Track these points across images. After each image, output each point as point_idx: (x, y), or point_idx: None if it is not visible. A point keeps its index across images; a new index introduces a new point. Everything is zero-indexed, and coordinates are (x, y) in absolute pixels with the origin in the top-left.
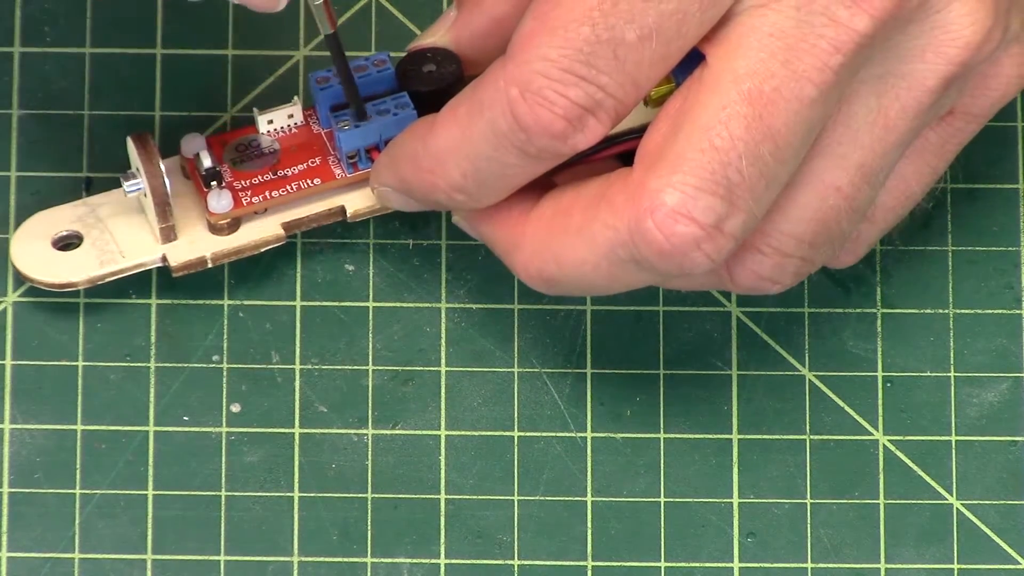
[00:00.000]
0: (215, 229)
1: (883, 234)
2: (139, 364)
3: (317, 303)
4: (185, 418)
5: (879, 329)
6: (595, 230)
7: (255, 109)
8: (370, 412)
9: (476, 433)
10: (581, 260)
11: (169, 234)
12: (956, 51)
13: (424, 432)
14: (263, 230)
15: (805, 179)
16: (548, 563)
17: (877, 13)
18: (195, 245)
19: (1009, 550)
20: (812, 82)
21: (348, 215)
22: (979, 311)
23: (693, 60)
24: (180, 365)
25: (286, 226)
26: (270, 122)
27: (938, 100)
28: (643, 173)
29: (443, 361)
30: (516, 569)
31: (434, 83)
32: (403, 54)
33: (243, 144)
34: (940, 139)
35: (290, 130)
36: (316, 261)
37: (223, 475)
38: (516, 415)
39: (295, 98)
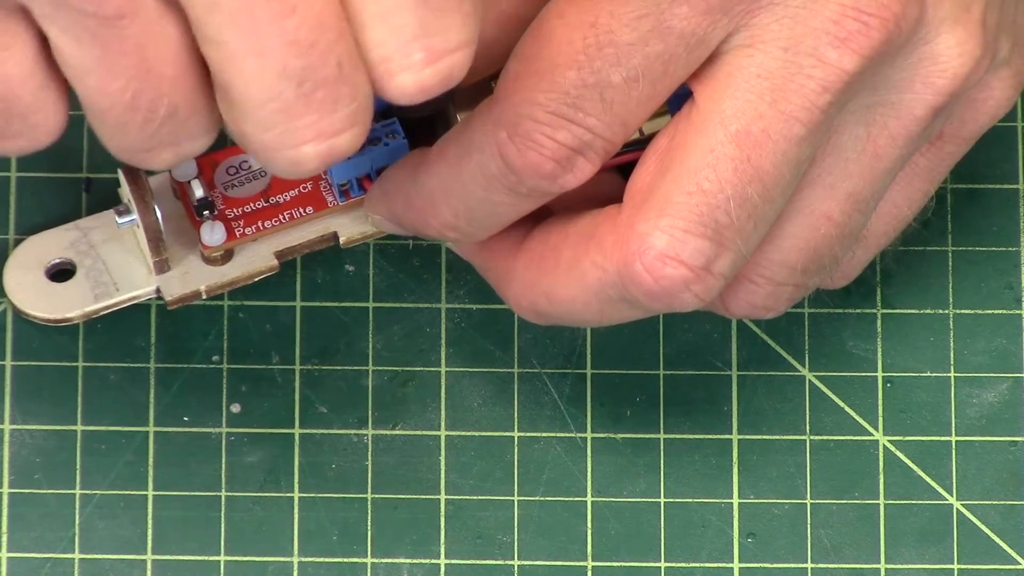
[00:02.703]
0: (208, 259)
1: (875, 255)
2: (139, 365)
3: (317, 303)
4: (185, 418)
5: (879, 329)
6: (584, 269)
7: None
8: (370, 412)
9: (476, 433)
10: (571, 297)
11: (163, 266)
12: (945, 82)
13: (424, 432)
14: (257, 260)
15: (796, 209)
16: (548, 563)
17: (865, 51)
18: (189, 276)
19: (1009, 550)
20: (800, 122)
21: (341, 242)
22: (979, 311)
23: (685, 91)
24: (180, 366)
25: (279, 254)
26: None
27: (927, 128)
28: (631, 214)
29: (443, 361)
30: (516, 569)
31: (423, 109)
32: None
33: (232, 166)
34: (930, 163)
35: None
36: (316, 262)
37: (223, 475)
38: (516, 415)
39: None
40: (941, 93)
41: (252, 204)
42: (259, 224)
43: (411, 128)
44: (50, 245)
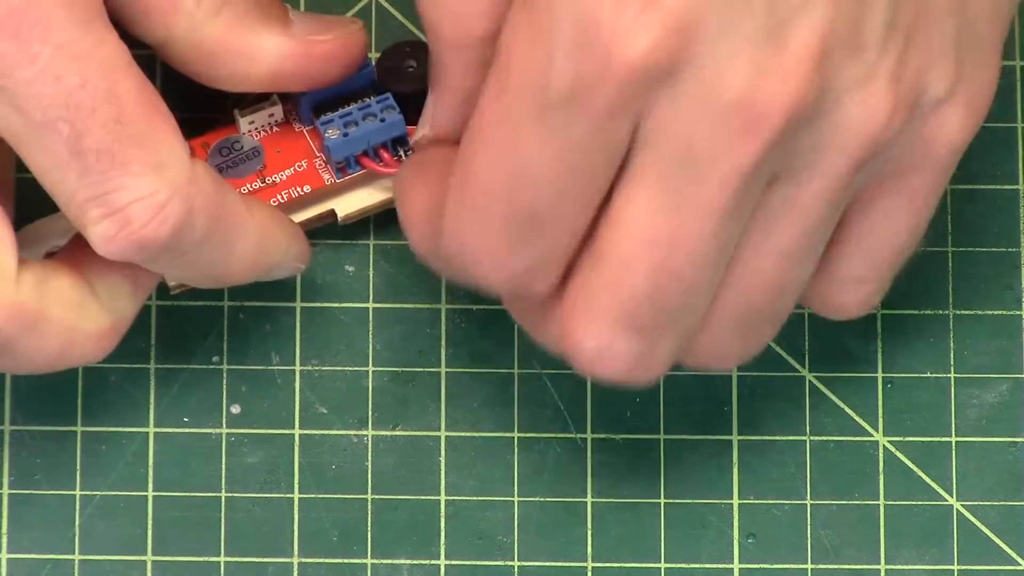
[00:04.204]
0: None
1: (883, 289)
2: (139, 365)
3: (317, 304)
4: (185, 419)
5: (879, 330)
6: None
7: (236, 110)
8: (370, 413)
9: (476, 434)
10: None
11: None
12: (856, 144)
13: (424, 433)
14: None
15: (729, 272)
16: (548, 564)
17: (764, 141)
18: None
19: (1009, 551)
20: (710, 217)
21: (339, 218)
22: (979, 312)
23: None
24: (180, 366)
25: None
26: (251, 123)
27: (855, 179)
28: (566, 312)
29: (443, 362)
30: (516, 570)
31: (416, 82)
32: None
33: (225, 146)
34: (905, 200)
35: (271, 129)
36: (316, 262)
37: (223, 476)
38: (516, 416)
39: (274, 97)
40: (855, 155)
41: (248, 185)
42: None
43: (406, 103)
44: (48, 231)
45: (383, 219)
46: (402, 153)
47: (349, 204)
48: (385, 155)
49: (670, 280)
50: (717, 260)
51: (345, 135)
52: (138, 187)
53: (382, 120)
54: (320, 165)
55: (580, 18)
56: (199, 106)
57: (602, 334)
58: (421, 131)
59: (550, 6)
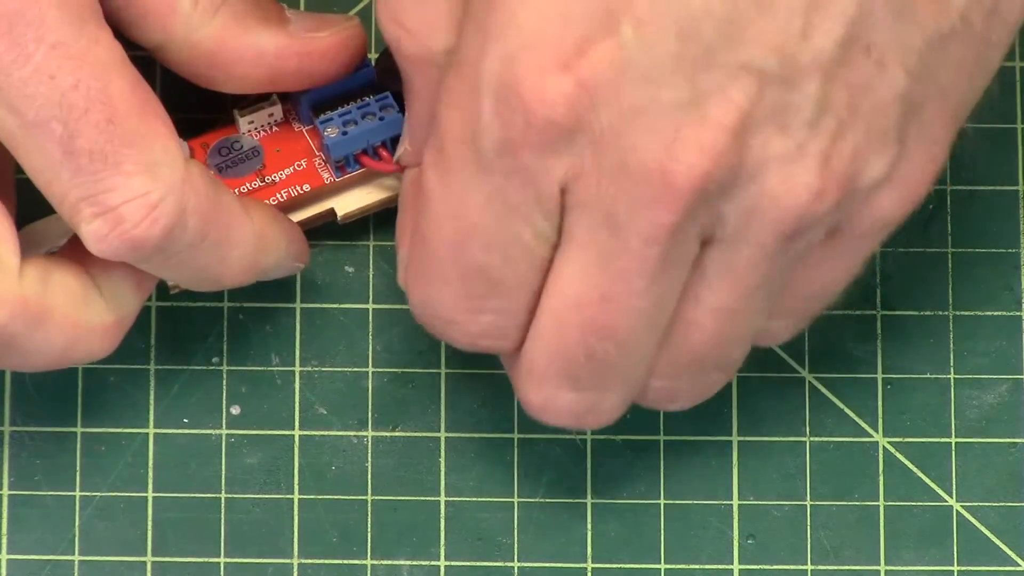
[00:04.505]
0: None
1: (805, 324)
2: (139, 366)
3: (317, 305)
4: (185, 420)
5: (879, 331)
6: None
7: (235, 110)
8: (370, 414)
9: (476, 435)
10: None
11: None
12: (783, 215)
13: (424, 434)
14: None
15: (672, 324)
16: (548, 565)
17: (680, 203)
18: None
19: (1009, 552)
20: (636, 277)
21: (339, 217)
22: (979, 313)
23: None
24: (180, 367)
25: None
26: (251, 123)
27: (787, 249)
28: (516, 364)
29: (443, 363)
30: (516, 571)
31: None
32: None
33: (224, 146)
34: (833, 258)
35: (271, 128)
36: (315, 263)
37: (223, 477)
38: (516, 417)
39: (273, 97)
40: (780, 227)
41: (248, 184)
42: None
43: (404, 100)
44: (50, 232)
45: (383, 219)
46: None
47: (348, 203)
48: (384, 154)
49: (603, 338)
50: (651, 317)
51: (344, 134)
52: (130, 187)
53: (381, 119)
54: (319, 164)
55: (503, 79)
56: (199, 106)
57: (544, 389)
58: (402, 147)
59: (477, 68)
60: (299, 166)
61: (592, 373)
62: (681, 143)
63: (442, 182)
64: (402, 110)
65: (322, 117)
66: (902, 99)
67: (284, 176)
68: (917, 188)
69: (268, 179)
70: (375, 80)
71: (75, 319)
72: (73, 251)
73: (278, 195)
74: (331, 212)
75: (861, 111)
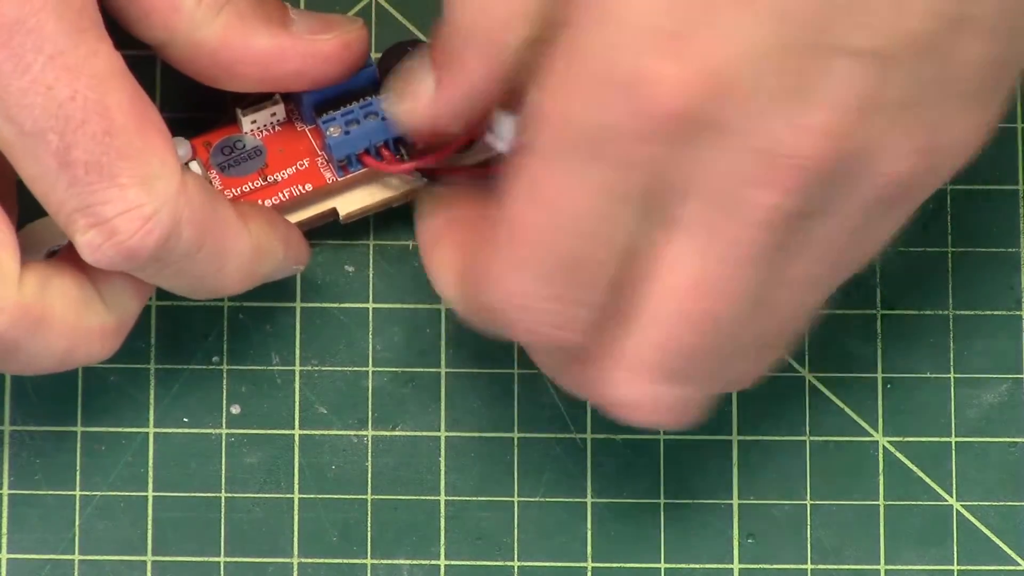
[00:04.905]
0: None
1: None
2: (139, 365)
3: (317, 304)
4: (185, 419)
5: (879, 330)
6: None
7: (238, 109)
8: (370, 413)
9: (476, 434)
10: None
11: None
12: (880, 188)
13: (424, 433)
14: None
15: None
16: (548, 564)
17: (799, 188)
18: None
19: (1009, 551)
20: (747, 264)
21: (341, 217)
22: (979, 312)
23: None
24: (180, 366)
25: None
26: (253, 122)
27: (884, 213)
28: (605, 359)
29: (443, 362)
30: (516, 570)
31: None
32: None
33: (227, 145)
34: (890, 219)
35: (274, 128)
36: (316, 262)
37: (223, 476)
38: (516, 416)
39: (276, 96)
40: (885, 195)
41: (250, 183)
42: (258, 203)
43: None
44: (51, 231)
45: (383, 219)
46: (404, 152)
47: (351, 203)
48: (387, 153)
49: (710, 327)
50: (756, 303)
51: (347, 133)
52: (125, 199)
53: (383, 118)
54: (322, 164)
55: (616, 69)
56: (200, 106)
57: (641, 384)
58: (406, 104)
59: (587, 58)
60: (301, 166)
61: (694, 365)
62: (797, 127)
63: (541, 170)
64: None
65: (324, 116)
66: (994, 65)
67: (286, 176)
68: (971, 148)
69: (270, 179)
70: (377, 79)
71: (75, 324)
72: (73, 255)
73: (280, 194)
74: (333, 212)
75: (958, 79)
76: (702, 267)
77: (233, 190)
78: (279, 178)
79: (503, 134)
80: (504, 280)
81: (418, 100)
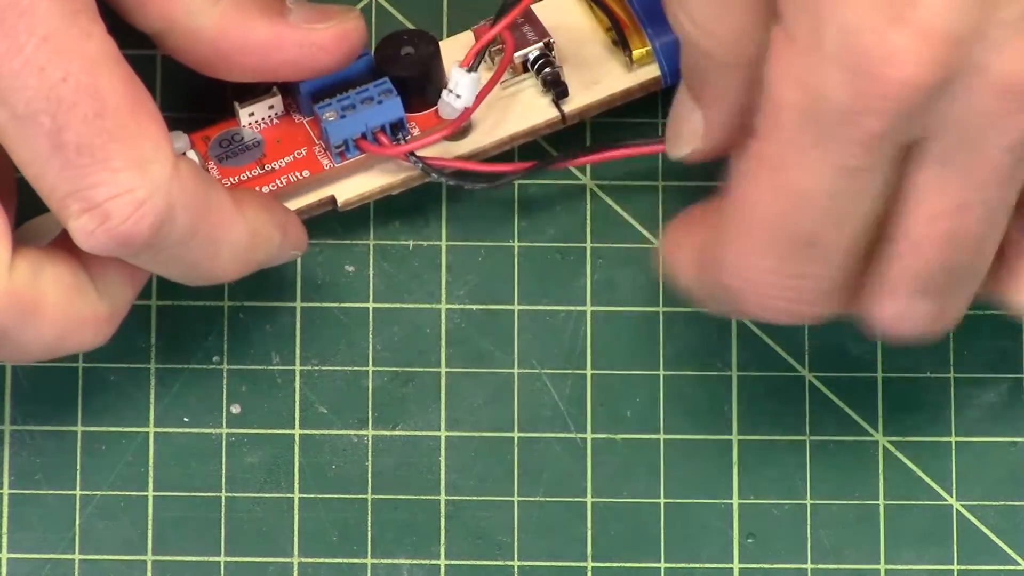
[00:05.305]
0: None
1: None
2: (139, 365)
3: (317, 304)
4: (185, 419)
5: None
6: None
7: (236, 102)
8: (370, 413)
9: (476, 434)
10: None
11: None
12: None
13: (424, 433)
14: None
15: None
16: (548, 564)
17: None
18: None
19: (1009, 551)
20: (995, 184)
21: (339, 204)
22: (979, 312)
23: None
24: (180, 366)
25: None
26: (251, 114)
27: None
28: (862, 294)
29: (443, 362)
30: (516, 570)
31: (413, 67)
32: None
33: (226, 139)
34: None
35: (272, 121)
36: (316, 262)
37: (223, 476)
38: (516, 416)
39: (274, 88)
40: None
41: (248, 172)
42: (256, 190)
43: (404, 87)
44: (51, 226)
45: (383, 219)
46: (400, 138)
47: (348, 189)
48: (383, 138)
49: (960, 246)
50: (1002, 216)
51: (343, 117)
52: (117, 183)
53: (380, 103)
54: (319, 151)
55: (848, 45)
56: (200, 105)
57: (899, 302)
58: (686, 148)
59: (815, 35)
60: (299, 154)
61: (947, 281)
62: None
63: (775, 153)
64: (400, 95)
65: (320, 104)
66: None
67: (284, 164)
68: None
69: (268, 167)
70: (374, 68)
71: (67, 311)
72: (67, 242)
73: (277, 181)
74: (331, 199)
75: None
76: (947, 196)
77: (230, 179)
78: (276, 166)
79: (461, 91)
80: (748, 264)
81: (696, 139)
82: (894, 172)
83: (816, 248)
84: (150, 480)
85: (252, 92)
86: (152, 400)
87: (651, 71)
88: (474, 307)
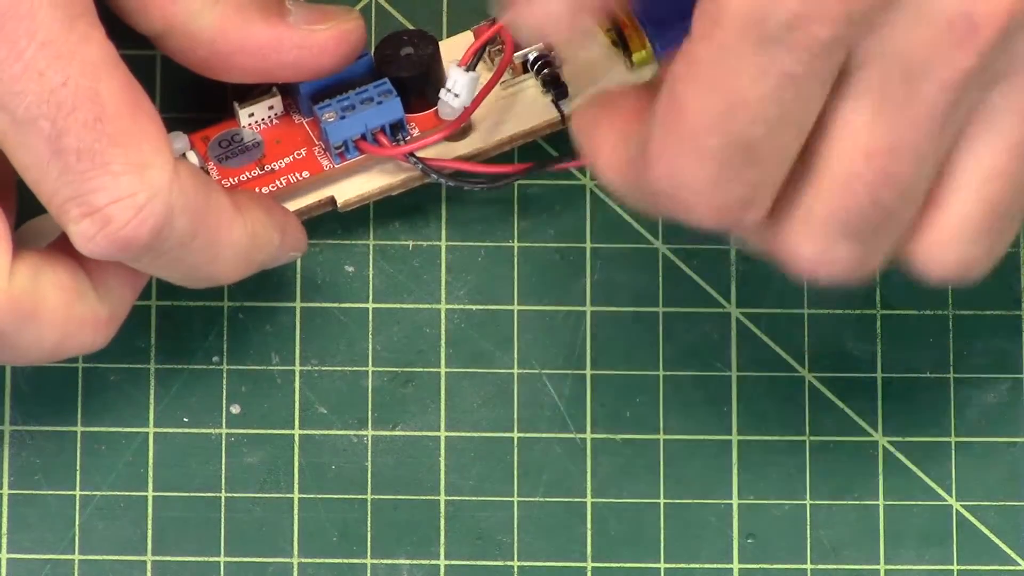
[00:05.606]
0: None
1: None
2: (139, 365)
3: (317, 304)
4: (185, 419)
5: (878, 330)
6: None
7: (235, 103)
8: (370, 413)
9: (476, 434)
10: None
11: None
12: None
13: (424, 433)
14: None
15: (962, 172)
16: (548, 564)
17: (981, 46)
18: None
19: (1009, 551)
20: (927, 123)
21: (339, 205)
22: (978, 312)
23: (671, 26)
24: (180, 366)
25: None
26: (251, 115)
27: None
28: (784, 225)
29: (443, 362)
30: (516, 570)
31: (413, 67)
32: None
33: (225, 139)
34: None
35: (271, 121)
36: (316, 262)
37: (223, 476)
38: (516, 416)
39: (274, 89)
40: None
41: (247, 172)
42: (253, 191)
43: (403, 88)
44: (51, 227)
45: (383, 219)
46: (400, 139)
47: (348, 190)
48: (383, 139)
49: (888, 187)
50: (932, 166)
51: (342, 118)
52: (117, 187)
53: (379, 103)
54: (319, 152)
55: None
56: (200, 107)
57: (821, 242)
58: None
59: None
60: (298, 154)
61: (872, 224)
62: None
63: (713, 55)
64: (400, 95)
65: (320, 104)
66: None
67: (283, 164)
68: None
69: (267, 167)
70: (374, 68)
71: (67, 314)
72: (67, 245)
73: (277, 182)
74: (331, 200)
75: None
76: (880, 130)
77: (230, 179)
78: (276, 167)
79: (459, 90)
80: (679, 166)
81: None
82: (830, 93)
83: (751, 154)
84: (150, 480)
85: (252, 93)
86: (152, 400)
87: (651, 71)
88: (474, 307)
